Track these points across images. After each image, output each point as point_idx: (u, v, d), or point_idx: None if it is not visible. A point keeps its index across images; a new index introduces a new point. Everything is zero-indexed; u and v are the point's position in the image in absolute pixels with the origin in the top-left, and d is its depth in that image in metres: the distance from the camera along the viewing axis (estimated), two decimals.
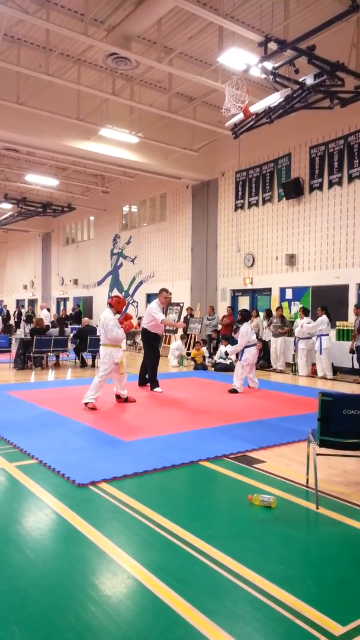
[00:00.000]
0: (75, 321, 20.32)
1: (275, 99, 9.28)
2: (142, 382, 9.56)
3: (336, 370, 12.00)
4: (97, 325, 8.51)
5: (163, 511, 3.76)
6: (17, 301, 31.87)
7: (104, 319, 7.62)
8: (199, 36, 10.82)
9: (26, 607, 2.57)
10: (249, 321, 9.87)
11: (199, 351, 13.42)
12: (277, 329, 13.01)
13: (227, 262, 16.51)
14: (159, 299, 9.38)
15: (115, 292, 21.78)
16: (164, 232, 19.42)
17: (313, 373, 12.22)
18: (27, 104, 12.28)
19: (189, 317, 16.39)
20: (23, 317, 25.41)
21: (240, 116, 9.46)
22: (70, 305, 25.97)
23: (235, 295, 16.51)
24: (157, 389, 9.14)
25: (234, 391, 9.19)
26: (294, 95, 9.18)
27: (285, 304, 14.23)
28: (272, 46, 8.53)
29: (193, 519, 3.68)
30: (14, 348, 13.08)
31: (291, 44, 8.43)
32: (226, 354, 12.60)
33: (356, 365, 11.51)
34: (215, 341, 15.00)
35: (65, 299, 27.16)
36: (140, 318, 16.79)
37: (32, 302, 29.58)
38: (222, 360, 12.96)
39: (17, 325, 25.23)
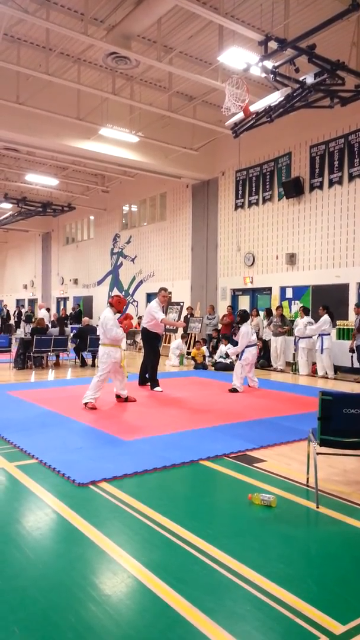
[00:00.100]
0: (76, 321, 20.31)
1: (275, 98, 9.28)
2: (142, 382, 9.56)
3: (336, 369, 11.99)
4: (97, 325, 8.50)
5: (163, 510, 3.76)
6: (17, 301, 31.87)
7: (103, 318, 7.61)
8: (199, 35, 10.81)
9: (26, 606, 2.57)
10: (248, 321, 9.86)
11: (199, 350, 13.42)
12: (277, 328, 13.01)
13: (228, 262, 16.50)
14: (158, 298, 9.38)
15: (116, 292, 21.78)
16: (164, 232, 19.41)
17: (313, 372, 12.22)
18: (27, 103, 12.28)
19: (189, 316, 16.39)
20: (23, 317, 25.41)
21: (241, 115, 9.46)
22: (70, 305, 25.97)
23: (235, 294, 16.51)
24: (157, 389, 9.14)
25: (234, 390, 9.19)
26: (294, 94, 9.18)
27: (285, 303, 14.23)
28: (273, 45, 8.52)
29: (193, 518, 3.68)
30: (14, 348, 13.08)
31: (291, 42, 8.42)
32: (226, 354, 12.59)
33: (356, 365, 11.50)
34: (215, 340, 15.00)
35: (65, 299, 27.17)
36: (140, 317, 16.79)
37: (32, 302, 29.58)
38: (222, 360, 12.95)
39: (17, 325, 25.22)
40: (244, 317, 9.66)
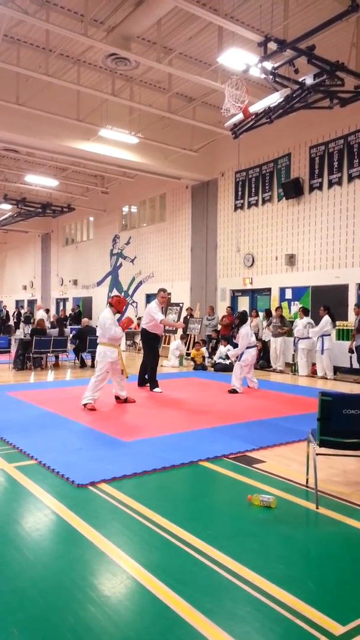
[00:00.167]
0: (75, 322, 20.31)
1: (274, 99, 9.28)
2: (141, 383, 9.55)
3: (336, 370, 11.99)
4: (96, 326, 8.49)
5: (162, 511, 3.75)
6: (17, 302, 31.86)
7: (101, 318, 7.60)
8: (198, 36, 10.82)
9: (25, 607, 2.56)
10: (247, 322, 9.86)
11: (198, 351, 13.41)
12: (277, 329, 13.01)
13: (227, 262, 16.50)
14: (157, 299, 9.38)
15: (115, 293, 21.78)
16: (164, 233, 19.42)
17: (313, 373, 12.22)
18: (26, 104, 12.28)
19: (188, 317, 16.39)
20: (22, 318, 25.39)
21: (240, 116, 9.46)
22: (69, 306, 25.96)
23: (235, 295, 16.51)
24: (156, 389, 9.13)
25: (233, 391, 9.18)
26: (294, 95, 9.18)
27: (284, 304, 14.23)
28: (272, 46, 8.53)
29: (193, 519, 3.68)
30: (14, 349, 13.07)
31: (291, 44, 8.43)
32: (227, 356, 12.58)
33: (355, 365, 11.50)
34: (214, 341, 15.00)
35: (64, 300, 27.16)
36: (139, 318, 16.78)
37: (32, 303, 29.57)
38: (221, 361, 12.95)
39: (17, 325, 25.21)
40: (243, 318, 9.64)
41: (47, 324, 15.20)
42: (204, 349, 13.83)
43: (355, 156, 12.48)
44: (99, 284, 23.74)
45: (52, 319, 20.36)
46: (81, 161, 16.94)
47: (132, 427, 6.38)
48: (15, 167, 19.44)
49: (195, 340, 14.96)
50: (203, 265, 17.41)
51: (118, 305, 7.79)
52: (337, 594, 2.76)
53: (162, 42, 10.65)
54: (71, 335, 14.39)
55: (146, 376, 9.45)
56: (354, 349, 11.36)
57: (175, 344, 14.39)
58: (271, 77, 8.80)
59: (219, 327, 15.34)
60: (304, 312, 12.52)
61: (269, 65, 8.74)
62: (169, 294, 17.44)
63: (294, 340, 12.66)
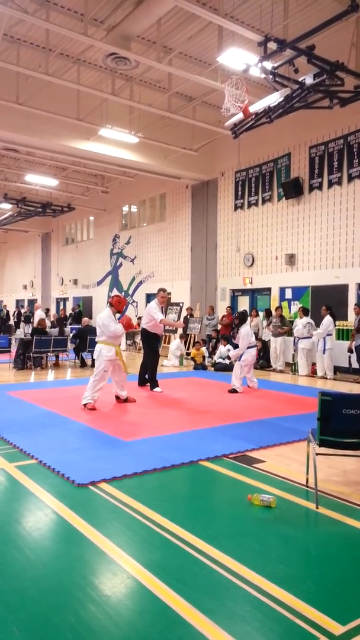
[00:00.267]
0: (76, 321, 20.32)
1: (274, 98, 9.28)
2: (141, 382, 9.56)
3: (335, 369, 11.99)
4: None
5: (163, 511, 3.76)
6: (17, 301, 31.86)
7: (99, 317, 7.58)
8: (198, 36, 10.82)
9: (26, 607, 2.57)
10: (247, 322, 9.85)
11: (198, 351, 13.42)
12: (277, 328, 13.01)
13: (227, 262, 16.51)
14: (157, 298, 9.38)
15: (115, 292, 21.78)
16: (164, 232, 19.42)
17: (313, 373, 12.22)
18: (26, 104, 12.28)
19: (188, 317, 16.39)
20: (22, 318, 25.40)
21: (240, 116, 9.46)
22: (69, 305, 25.97)
23: (234, 295, 16.51)
24: (156, 389, 9.14)
25: (233, 391, 9.19)
26: (294, 94, 9.18)
27: (284, 304, 14.23)
28: (272, 46, 8.53)
29: (193, 518, 3.68)
30: (14, 348, 13.07)
31: (291, 43, 8.43)
32: (228, 358, 12.57)
33: (354, 365, 11.51)
34: (214, 341, 15.00)
35: (64, 299, 27.16)
36: (139, 318, 16.79)
37: (32, 303, 29.58)
38: (221, 360, 12.95)
39: (17, 325, 25.21)
40: (243, 318, 9.64)
41: (47, 323, 15.21)
42: (204, 349, 13.84)
43: (355, 156, 12.48)
44: (99, 283, 23.74)
45: (52, 319, 20.37)
46: (81, 161, 16.94)
47: (133, 427, 6.39)
48: (15, 166, 19.44)
49: (195, 340, 14.96)
50: (203, 265, 17.41)
51: (118, 305, 7.79)
52: (337, 593, 2.77)
53: (162, 41, 10.64)
54: (71, 334, 14.40)
55: (146, 376, 9.45)
56: (353, 348, 11.37)
57: (176, 344, 14.39)
58: (271, 76, 8.80)
59: (219, 326, 15.34)
60: (304, 311, 12.52)
61: (268, 65, 8.74)
62: (169, 293, 17.44)
63: (294, 340, 12.67)
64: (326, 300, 12.49)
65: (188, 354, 14.65)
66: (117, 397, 7.95)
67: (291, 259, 14.12)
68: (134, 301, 20.91)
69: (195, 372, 12.75)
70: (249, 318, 12.93)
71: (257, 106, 9.49)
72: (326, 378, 11.67)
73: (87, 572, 2.91)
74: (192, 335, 15.69)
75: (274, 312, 13.47)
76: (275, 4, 9.40)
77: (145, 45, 11.12)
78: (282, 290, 14.58)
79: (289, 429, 6.37)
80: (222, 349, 13.18)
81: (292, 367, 12.88)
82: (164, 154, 15.79)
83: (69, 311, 24.76)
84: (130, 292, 21.23)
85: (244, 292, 16.19)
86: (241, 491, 4.22)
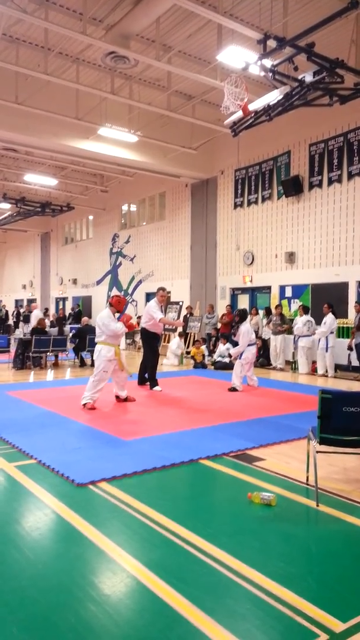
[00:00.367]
0: (76, 320, 20.32)
1: (274, 96, 9.27)
2: (141, 381, 9.55)
3: (336, 367, 11.99)
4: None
5: (163, 510, 3.75)
6: (16, 301, 31.86)
7: (99, 317, 7.56)
8: (197, 34, 10.80)
9: (25, 606, 2.56)
10: (247, 320, 9.85)
11: (198, 350, 13.41)
12: (277, 327, 13.00)
13: (227, 261, 16.50)
14: (156, 297, 9.37)
15: (115, 292, 21.77)
16: (163, 231, 19.41)
17: (313, 371, 12.21)
18: (25, 103, 12.26)
19: (188, 315, 16.38)
20: (21, 317, 25.41)
21: (240, 114, 9.45)
22: (69, 305, 25.97)
23: (234, 293, 16.50)
24: (156, 388, 9.13)
25: (233, 389, 9.18)
26: (293, 92, 9.17)
27: (284, 302, 14.23)
28: (271, 44, 8.52)
29: (193, 517, 3.67)
30: (13, 348, 13.06)
31: (290, 41, 8.41)
32: (229, 355, 12.57)
33: (354, 362, 11.50)
34: (214, 339, 15.00)
35: (64, 299, 27.16)
36: (139, 317, 16.79)
37: (31, 302, 29.59)
38: (221, 359, 12.95)
39: (16, 325, 25.23)
40: (243, 316, 9.64)
41: (47, 323, 15.21)
42: (203, 347, 13.83)
43: (355, 154, 12.47)
44: (98, 282, 23.73)
45: (51, 318, 20.36)
46: (80, 160, 16.92)
47: (132, 426, 6.38)
48: (14, 166, 19.43)
49: (195, 339, 14.96)
50: (203, 264, 17.40)
51: (118, 305, 7.77)
52: (338, 591, 2.76)
53: (161, 40, 10.63)
54: (71, 334, 14.39)
55: (146, 375, 9.45)
56: (353, 346, 11.36)
57: (177, 343, 14.38)
58: (270, 74, 8.79)
59: (219, 325, 15.34)
60: (304, 310, 12.51)
61: (268, 62, 8.73)
62: (169, 292, 17.44)
63: (294, 338, 12.66)
64: (326, 298, 12.48)
65: (188, 352, 14.64)
66: (117, 397, 7.94)
67: (291, 257, 14.11)
68: (133, 300, 20.90)
69: (195, 370, 12.75)
70: (249, 316, 12.92)
71: (257, 104, 9.48)
72: (326, 376, 11.66)
73: (87, 572, 2.90)
74: (192, 334, 15.68)
75: (273, 311, 13.46)
76: (275, 2, 9.38)
77: (144, 43, 11.11)
78: (282, 289, 14.57)
79: (289, 427, 6.36)
80: (222, 347, 13.17)
81: (292, 365, 12.87)
82: (164, 153, 15.77)
83: (68, 311, 24.76)
84: (129, 291, 21.22)
85: (243, 290, 16.18)
86: (241, 489, 4.21)
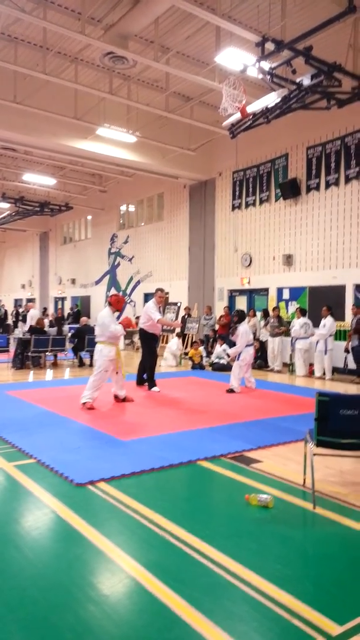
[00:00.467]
0: (76, 320, 20.33)
1: (272, 99, 9.30)
2: (140, 382, 9.57)
3: (333, 370, 12.02)
4: (94, 325, 8.49)
5: (161, 510, 3.77)
6: (15, 300, 31.83)
7: (100, 316, 7.61)
8: (196, 36, 10.82)
9: (25, 606, 2.58)
10: (246, 321, 9.87)
11: (196, 351, 13.43)
12: (274, 329, 13.03)
13: (224, 262, 16.52)
14: (154, 298, 9.39)
15: (113, 292, 21.78)
16: (162, 232, 19.43)
17: (310, 373, 12.24)
18: (24, 103, 12.26)
19: (186, 316, 16.40)
20: (20, 317, 25.39)
21: (238, 116, 9.48)
22: (68, 305, 25.96)
23: (232, 295, 16.53)
24: (154, 389, 9.15)
25: (231, 391, 9.20)
26: (291, 95, 9.20)
27: (282, 304, 14.26)
28: (269, 46, 8.55)
29: (191, 518, 3.70)
30: (12, 348, 13.06)
31: (288, 44, 8.45)
32: (228, 355, 12.59)
33: (351, 365, 11.53)
34: (212, 340, 15.02)
35: (63, 299, 27.14)
36: (137, 318, 16.80)
37: (31, 302, 29.57)
38: (218, 360, 12.97)
39: (15, 324, 25.21)
40: (241, 316, 9.66)
41: (45, 322, 15.21)
42: (201, 349, 13.85)
43: (352, 157, 12.51)
44: (97, 283, 23.73)
45: (50, 318, 20.36)
46: (79, 160, 16.93)
47: (131, 426, 6.40)
48: (13, 165, 19.41)
49: (193, 340, 14.98)
50: (201, 265, 17.43)
51: (117, 304, 7.81)
52: (335, 593, 2.78)
53: (159, 41, 10.64)
54: (70, 334, 14.40)
55: (144, 375, 9.47)
56: (349, 349, 11.39)
57: (176, 344, 14.40)
58: (268, 77, 8.83)
59: (217, 326, 15.36)
60: (302, 312, 12.53)
61: (266, 65, 8.76)
62: (167, 293, 17.45)
63: (292, 341, 12.68)
64: (323, 301, 12.52)
65: (186, 353, 14.66)
66: (116, 397, 7.96)
67: (288, 260, 14.15)
68: (131, 301, 20.91)
69: (193, 371, 12.77)
70: (247, 318, 12.94)
71: (255, 106, 9.51)
72: (323, 378, 11.69)
73: (86, 572, 2.92)
74: (190, 335, 15.70)
75: (271, 313, 13.49)
76: (273, 5, 9.42)
77: (142, 44, 11.12)
78: (280, 291, 14.61)
79: (286, 429, 6.39)
80: (219, 348, 13.20)
81: (289, 367, 12.90)
82: (162, 154, 15.79)
83: (67, 311, 24.75)
84: (128, 291, 21.23)
85: (241, 292, 16.21)
86: (239, 491, 4.23)
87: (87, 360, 13.52)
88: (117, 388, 7.88)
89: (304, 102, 9.64)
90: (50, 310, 26.66)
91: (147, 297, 19.45)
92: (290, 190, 13.84)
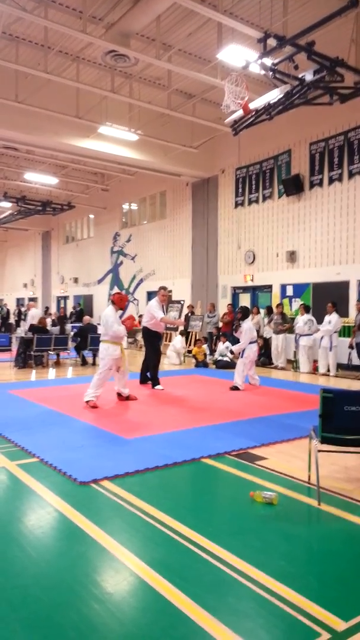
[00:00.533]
0: (78, 319, 20.34)
1: (274, 95, 9.26)
2: (143, 380, 9.57)
3: (337, 366, 11.99)
4: (98, 323, 8.50)
5: (165, 508, 3.76)
6: (17, 300, 31.89)
7: (104, 315, 7.63)
8: (197, 33, 10.79)
9: (28, 605, 2.57)
10: (250, 317, 9.86)
11: (200, 349, 13.42)
12: (278, 326, 13.00)
13: (228, 259, 16.49)
14: (157, 297, 9.38)
15: (116, 290, 21.78)
16: (164, 230, 19.40)
17: (314, 370, 12.21)
18: (26, 102, 12.26)
19: (189, 314, 16.39)
20: (22, 316, 25.43)
21: (240, 113, 9.45)
22: (70, 304, 25.98)
23: (235, 292, 16.50)
24: (158, 387, 9.14)
25: (235, 388, 9.18)
26: (294, 91, 9.16)
27: (286, 301, 14.23)
28: (272, 42, 8.51)
29: (195, 516, 3.68)
30: (15, 347, 13.08)
31: (290, 40, 8.41)
32: (232, 352, 12.56)
33: (355, 361, 11.48)
34: (215, 338, 15.01)
35: (65, 298, 27.17)
36: (140, 316, 16.79)
37: (32, 301, 29.62)
38: (221, 358, 12.95)
39: (17, 323, 25.26)
40: (245, 313, 9.66)
41: (48, 321, 15.21)
42: (205, 346, 13.83)
43: (356, 152, 12.46)
44: (99, 281, 23.74)
45: (53, 317, 20.38)
46: (81, 159, 16.92)
47: (134, 425, 6.39)
48: (14, 164, 19.43)
49: (197, 338, 14.96)
50: (204, 263, 17.40)
51: (120, 302, 7.80)
52: (340, 590, 2.77)
53: (161, 38, 10.62)
54: (72, 333, 14.40)
55: (148, 373, 9.46)
56: (354, 345, 11.35)
57: (180, 342, 14.39)
58: (271, 73, 8.78)
59: (220, 324, 15.34)
60: (305, 309, 12.50)
61: (268, 61, 8.72)
62: (170, 291, 17.44)
63: (295, 337, 12.65)
64: (327, 297, 12.47)
65: (189, 351, 14.65)
66: (119, 395, 7.96)
67: (292, 256, 14.11)
68: (135, 299, 20.91)
69: (196, 369, 12.75)
70: (251, 315, 12.92)
71: (257, 103, 9.47)
72: (328, 375, 11.66)
73: (90, 570, 2.91)
74: (194, 333, 15.69)
75: (275, 310, 13.46)
76: (275, 0, 9.37)
77: (144, 42, 11.10)
78: (283, 288, 14.57)
79: (290, 426, 6.37)
80: (221, 346, 13.19)
81: (293, 364, 12.87)
82: (164, 152, 15.77)
83: (69, 310, 24.78)
84: (131, 290, 21.23)
85: (245, 289, 16.18)
86: (243, 488, 4.22)
87: (89, 359, 13.53)
88: (121, 386, 7.87)
89: (307, 98, 9.60)
90: (53, 309, 26.69)
91: (150, 295, 19.43)
92: (294, 187, 13.80)
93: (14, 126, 13.41)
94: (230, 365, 11.96)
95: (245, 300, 16.15)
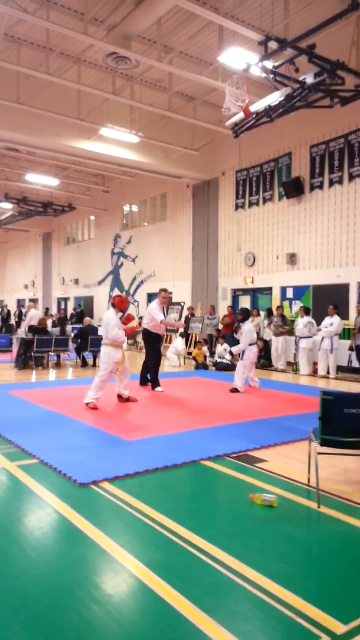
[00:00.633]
0: (79, 321, 20.35)
1: (275, 97, 9.29)
2: (143, 382, 9.57)
3: (337, 369, 11.99)
4: (98, 325, 8.51)
5: (164, 510, 3.76)
6: (18, 301, 31.90)
7: (105, 318, 7.64)
8: (199, 35, 10.82)
9: (28, 606, 2.58)
10: (250, 319, 9.87)
11: (200, 351, 13.42)
12: (278, 328, 13.00)
13: (228, 262, 16.50)
14: (158, 299, 9.38)
15: (117, 292, 21.79)
16: (165, 232, 19.42)
17: (314, 372, 12.21)
18: (27, 103, 12.29)
19: (189, 316, 16.39)
20: (23, 317, 25.44)
21: (241, 115, 9.46)
22: (71, 305, 25.99)
23: (236, 294, 16.51)
24: (158, 389, 9.14)
25: (235, 390, 9.19)
26: (294, 94, 9.18)
27: (286, 303, 14.23)
28: (272, 45, 8.54)
29: (194, 518, 3.69)
30: (15, 348, 13.08)
31: (291, 42, 8.43)
32: (231, 353, 12.56)
33: (354, 364, 11.49)
34: (215, 340, 15.01)
35: (66, 299, 27.18)
36: (141, 318, 16.80)
37: (32, 302, 29.63)
38: (222, 360, 12.95)
39: (18, 324, 25.26)
40: (246, 314, 9.68)
41: (48, 322, 15.21)
42: (205, 348, 13.84)
43: (356, 155, 12.47)
44: (100, 283, 23.75)
45: (53, 318, 20.38)
46: (82, 160, 16.94)
47: (134, 426, 6.40)
48: (16, 166, 19.45)
49: (197, 340, 14.97)
50: (204, 265, 17.41)
51: (120, 304, 7.81)
52: (339, 592, 2.77)
53: (162, 40, 10.65)
54: (73, 334, 14.41)
55: (148, 375, 9.46)
56: (354, 347, 11.35)
57: (181, 344, 14.39)
58: (272, 76, 8.81)
59: (220, 326, 15.34)
60: (305, 311, 12.51)
61: (269, 64, 8.75)
62: (170, 293, 17.44)
63: (295, 340, 12.66)
64: (327, 300, 12.48)
65: (189, 353, 14.65)
66: (119, 397, 7.96)
67: (292, 258, 14.12)
68: (135, 301, 20.92)
69: (196, 371, 12.75)
70: (251, 317, 12.93)
71: (258, 105, 9.50)
72: (327, 377, 11.66)
73: (89, 571, 2.91)
74: (193, 335, 15.69)
75: (275, 312, 13.47)
76: (276, 3, 9.40)
77: (145, 44, 11.13)
78: (283, 290, 14.58)
79: (290, 428, 6.37)
80: (219, 348, 13.19)
81: (293, 366, 12.87)
82: (165, 154, 15.79)
83: (69, 311, 24.79)
84: (131, 291, 21.24)
85: (245, 291, 16.19)
86: (243, 490, 4.22)
87: (90, 360, 13.54)
88: (121, 388, 7.88)
89: (307, 101, 9.62)
90: (53, 310, 26.70)
91: (150, 297, 19.45)
92: (294, 189, 13.81)
93: (15, 127, 13.44)
94: (230, 367, 11.96)
95: (245, 302, 16.16)
